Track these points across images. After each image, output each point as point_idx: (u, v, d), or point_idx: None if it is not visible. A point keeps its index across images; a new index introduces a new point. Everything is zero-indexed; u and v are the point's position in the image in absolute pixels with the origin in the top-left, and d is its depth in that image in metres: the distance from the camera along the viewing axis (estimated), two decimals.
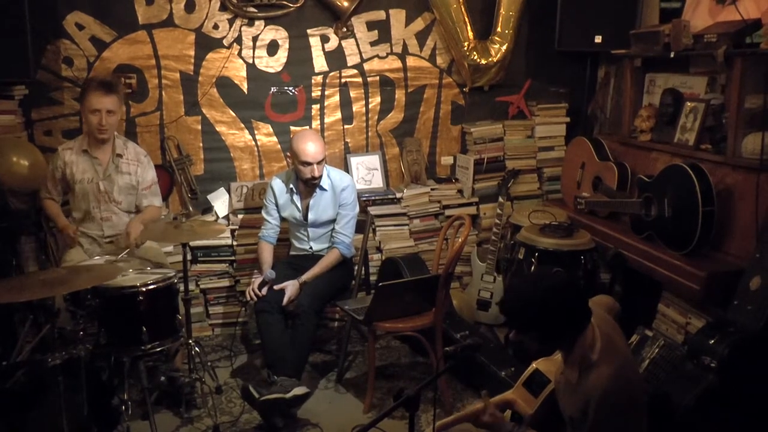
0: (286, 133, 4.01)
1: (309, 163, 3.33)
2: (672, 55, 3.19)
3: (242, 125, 3.99)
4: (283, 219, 3.57)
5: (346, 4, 3.87)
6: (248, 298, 3.33)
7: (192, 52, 3.83)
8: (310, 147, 3.32)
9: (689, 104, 3.21)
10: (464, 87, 4.20)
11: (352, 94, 4.09)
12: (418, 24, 4.06)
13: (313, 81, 4.01)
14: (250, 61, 3.91)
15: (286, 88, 3.99)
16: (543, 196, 4.31)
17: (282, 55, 3.94)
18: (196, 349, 3.10)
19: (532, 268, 3.22)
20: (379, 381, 3.28)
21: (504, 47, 4.02)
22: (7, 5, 3.19)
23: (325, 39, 3.97)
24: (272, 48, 3.92)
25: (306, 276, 3.36)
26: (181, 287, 3.07)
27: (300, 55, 3.95)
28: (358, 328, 3.83)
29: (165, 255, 3.50)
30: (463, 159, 4.24)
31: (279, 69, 3.95)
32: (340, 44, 3.99)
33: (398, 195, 4.07)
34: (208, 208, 3.96)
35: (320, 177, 3.39)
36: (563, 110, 4.28)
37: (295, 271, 3.43)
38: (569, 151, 4.12)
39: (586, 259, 3.21)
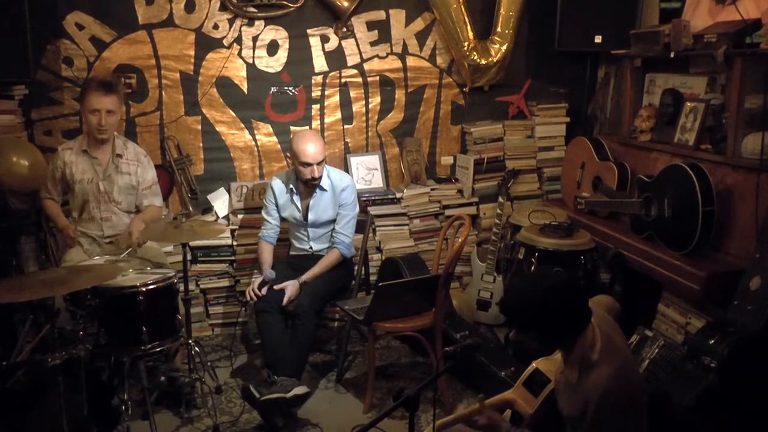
0: (286, 133, 4.01)
1: (309, 164, 3.33)
2: (672, 55, 3.19)
3: (242, 125, 3.99)
4: (283, 219, 3.57)
5: (346, 4, 3.87)
6: (248, 298, 3.33)
7: (192, 52, 3.83)
8: (310, 148, 3.32)
9: (689, 104, 3.21)
10: (464, 87, 4.20)
11: (352, 94, 4.09)
12: (418, 24, 4.06)
13: (313, 81, 4.01)
14: (250, 61, 3.91)
15: (286, 88, 3.99)
16: (543, 196, 4.31)
17: (282, 55, 3.94)
18: (196, 349, 3.10)
19: (532, 268, 3.22)
20: (379, 381, 3.28)
21: (504, 47, 4.02)
22: (7, 5, 3.19)
23: (325, 39, 3.97)
24: (272, 48, 3.93)
25: (306, 276, 3.36)
26: (181, 287, 3.06)
27: (300, 55, 3.95)
28: (358, 328, 3.83)
29: (165, 255, 3.51)
30: (463, 159, 4.24)
31: (279, 69, 3.95)
32: (340, 44, 3.99)
33: (398, 195, 4.07)
34: (208, 208, 3.96)
35: (320, 177, 3.39)
36: (563, 110, 4.28)
37: (295, 271, 3.43)
38: (569, 151, 4.12)
39: (586, 259, 3.21)
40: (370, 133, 4.17)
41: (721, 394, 2.37)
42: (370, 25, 4.00)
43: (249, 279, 3.68)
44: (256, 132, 4.01)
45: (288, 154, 3.50)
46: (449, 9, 3.92)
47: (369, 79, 4.07)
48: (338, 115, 4.09)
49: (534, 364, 2.29)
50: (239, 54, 3.89)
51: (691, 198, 2.80)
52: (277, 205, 3.53)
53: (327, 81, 4.03)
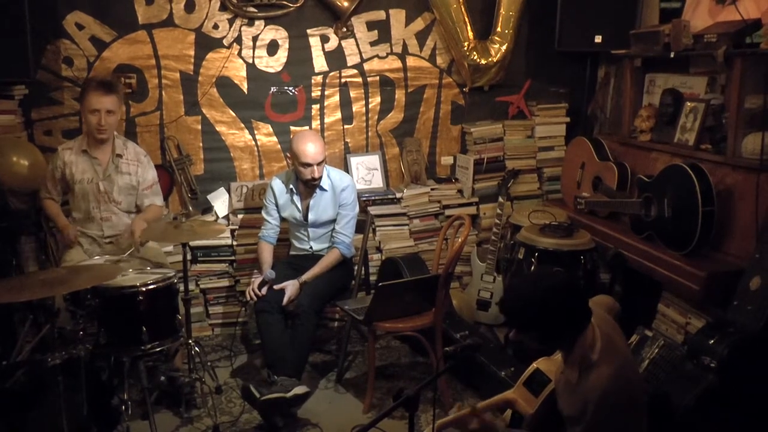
0: (286, 133, 4.01)
1: (309, 165, 3.33)
2: (672, 55, 3.19)
3: (242, 125, 3.99)
4: (283, 219, 3.57)
5: (346, 4, 3.87)
6: (248, 298, 3.33)
7: (192, 52, 3.83)
8: (310, 148, 3.32)
9: (689, 104, 3.21)
10: (464, 87, 4.20)
11: (352, 94, 4.09)
12: (418, 24, 4.06)
13: (313, 81, 4.01)
14: (250, 61, 3.91)
15: (286, 88, 3.99)
16: (543, 196, 4.31)
17: (282, 55, 3.94)
18: (196, 349, 3.10)
19: (532, 268, 3.22)
20: (379, 381, 3.28)
21: (504, 47, 4.02)
22: (7, 5, 3.18)
23: (325, 39, 3.97)
24: (272, 48, 3.93)
25: (306, 276, 3.36)
26: (181, 287, 3.06)
27: (300, 55, 3.95)
28: (358, 328, 3.83)
29: (165, 255, 3.51)
30: (463, 159, 4.24)
31: (279, 69, 3.95)
32: (340, 44, 3.99)
33: (398, 195, 4.07)
34: (208, 208, 3.96)
35: (320, 178, 3.39)
36: (563, 110, 4.28)
37: (295, 271, 3.43)
38: (569, 151, 4.12)
39: (586, 259, 3.21)
40: (370, 133, 4.17)
41: (721, 394, 2.37)
42: (370, 25, 4.00)
43: (249, 279, 3.68)
44: (256, 132, 4.01)
45: (288, 155, 3.50)
46: (449, 9, 3.92)
47: (369, 79, 4.07)
48: (338, 115, 4.09)
49: (534, 364, 2.29)
50: (239, 54, 3.89)
51: (691, 198, 2.80)
52: (277, 205, 3.53)
53: (327, 81, 4.03)
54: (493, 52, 4.02)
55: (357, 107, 4.11)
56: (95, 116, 3.19)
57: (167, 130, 3.89)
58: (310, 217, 3.48)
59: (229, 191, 4.00)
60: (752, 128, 2.81)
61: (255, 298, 3.29)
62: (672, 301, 3.09)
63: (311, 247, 3.55)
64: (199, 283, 3.86)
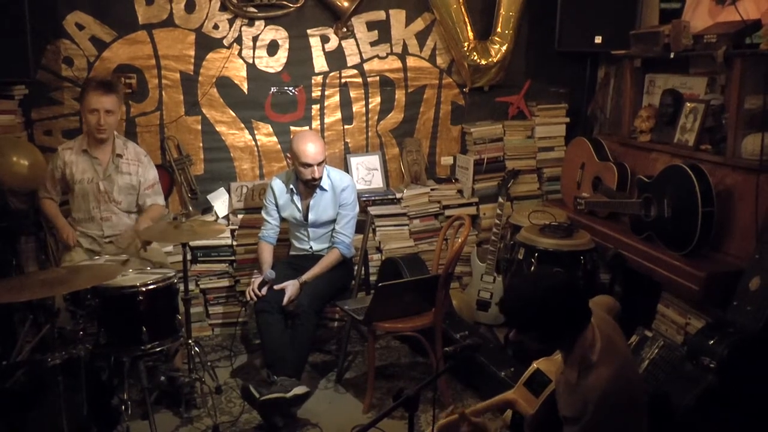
0: (286, 133, 4.02)
1: (309, 165, 3.33)
2: (672, 55, 3.19)
3: (242, 125, 3.99)
4: (283, 219, 3.57)
5: (346, 4, 3.87)
6: (248, 298, 3.33)
7: (192, 52, 3.84)
8: (311, 148, 3.32)
9: (689, 105, 3.21)
10: (464, 87, 4.20)
11: (352, 94, 4.09)
12: (418, 24, 4.06)
13: (313, 81, 4.01)
14: (250, 61, 3.91)
15: (286, 88, 3.99)
16: (543, 197, 4.31)
17: (282, 55, 3.94)
18: (196, 349, 3.10)
19: (532, 268, 3.22)
20: (378, 381, 3.28)
21: (504, 47, 4.03)
22: (7, 5, 3.18)
23: (325, 39, 3.97)
24: (272, 48, 3.93)
25: (306, 276, 3.36)
26: (181, 287, 3.06)
27: (300, 55, 3.95)
28: (358, 328, 3.83)
29: (165, 255, 3.51)
30: (463, 159, 4.24)
31: (279, 69, 3.95)
32: (340, 44, 3.99)
33: (398, 195, 4.07)
34: (208, 208, 3.96)
35: (320, 178, 3.39)
36: (563, 110, 4.28)
37: (295, 271, 3.43)
38: (569, 152, 4.12)
39: (585, 259, 3.22)
40: (370, 134, 4.17)
41: (721, 395, 2.38)
42: (370, 26, 4.00)
43: (249, 279, 3.68)
44: (256, 132, 4.01)
45: (288, 155, 3.50)
46: (449, 9, 3.92)
47: (369, 79, 4.07)
48: (338, 115, 4.09)
49: (535, 365, 2.29)
50: (239, 54, 3.89)
51: (690, 198, 2.80)
52: (277, 206, 3.53)
53: (327, 81, 4.03)
54: (493, 53, 4.02)
55: (357, 107, 4.11)
56: (94, 116, 3.19)
57: (167, 130, 3.89)
58: (310, 217, 3.48)
59: (229, 191, 4.00)
60: (752, 129, 2.81)
61: (255, 298, 3.29)
62: (672, 301, 3.09)
63: (311, 247, 3.55)
64: (199, 283, 3.86)
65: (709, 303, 2.80)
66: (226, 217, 3.96)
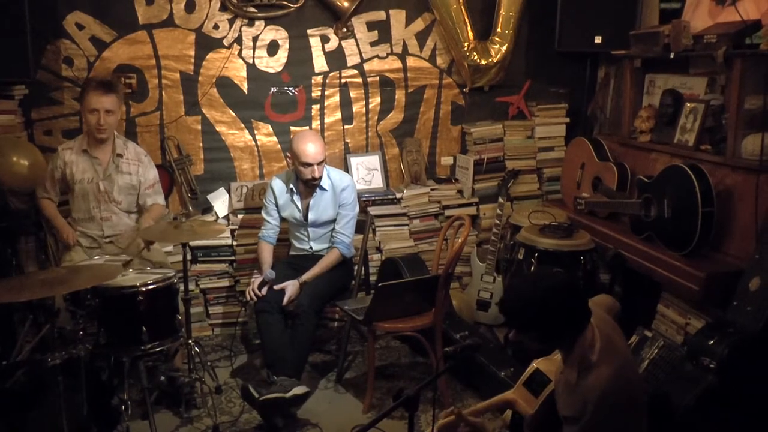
0: (286, 133, 4.02)
1: (309, 164, 3.33)
2: (672, 55, 3.19)
3: (242, 125, 3.99)
4: (283, 219, 3.57)
5: (346, 4, 3.87)
6: (248, 298, 3.33)
7: (192, 52, 3.84)
8: (311, 148, 3.32)
9: (689, 105, 3.21)
10: (464, 87, 4.20)
11: (352, 94, 4.09)
12: (418, 24, 4.06)
13: (313, 81, 4.01)
14: (250, 61, 3.91)
15: (286, 88, 3.99)
16: (543, 197, 4.31)
17: (282, 55, 3.94)
18: (196, 349, 3.10)
19: (532, 268, 3.22)
20: (378, 381, 3.28)
21: (504, 48, 4.03)
22: (7, 5, 3.18)
23: (325, 39, 3.97)
24: (272, 48, 3.93)
25: (306, 276, 3.36)
26: (181, 287, 3.06)
27: (300, 55, 3.95)
28: (358, 328, 3.83)
29: (165, 255, 3.51)
30: (463, 159, 4.24)
31: (279, 69, 3.95)
32: (340, 44, 3.99)
33: (398, 195, 4.07)
34: (208, 208, 3.96)
35: (320, 177, 3.39)
36: (563, 111, 4.28)
37: (295, 271, 3.43)
38: (569, 152, 4.12)
39: (585, 259, 3.22)
40: (370, 134, 4.17)
41: (721, 395, 2.38)
42: (370, 26, 4.00)
43: (249, 279, 3.68)
44: (256, 132, 4.01)
45: (288, 154, 3.50)
46: (449, 9, 3.92)
47: (369, 79, 4.07)
48: (338, 115, 4.09)
49: (534, 364, 2.29)
50: (239, 54, 3.89)
51: (690, 199, 2.80)
52: (277, 205, 3.53)
53: (327, 81, 4.03)
54: (493, 53, 4.03)
55: (357, 107, 4.11)
56: (94, 116, 3.19)
57: (167, 130, 3.89)
58: (310, 216, 3.48)
59: (229, 191, 4.00)
60: (752, 129, 2.82)
61: (255, 298, 3.29)
62: (671, 301, 3.09)
63: (311, 247, 3.55)
64: (199, 283, 3.86)
65: (709, 303, 2.80)
66: (226, 217, 3.96)
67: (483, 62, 4.02)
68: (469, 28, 3.98)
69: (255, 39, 3.88)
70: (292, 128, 4.02)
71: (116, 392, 2.81)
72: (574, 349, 1.93)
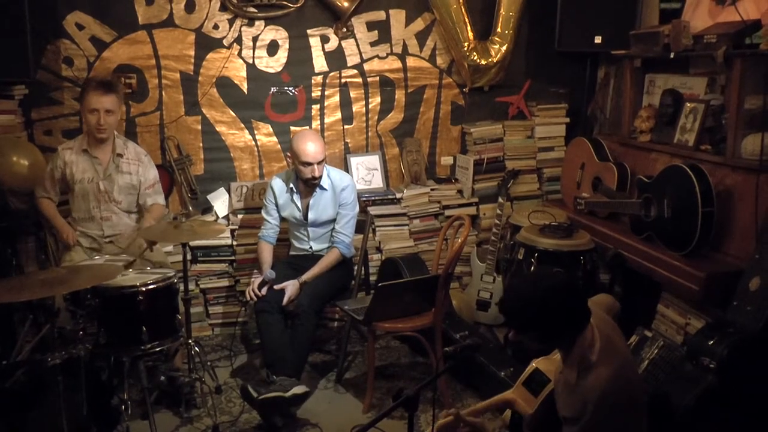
0: (286, 133, 4.02)
1: (309, 164, 3.33)
2: (672, 55, 3.19)
3: (242, 125, 3.99)
4: (282, 219, 3.57)
5: (346, 4, 3.87)
6: (248, 298, 3.33)
7: (192, 52, 3.84)
8: (310, 147, 3.32)
9: (689, 105, 3.21)
10: (464, 87, 4.20)
11: (352, 94, 4.09)
12: (418, 24, 4.06)
13: (313, 81, 4.01)
14: (250, 61, 3.91)
15: (286, 88, 3.99)
16: (543, 197, 4.31)
17: (282, 55, 3.94)
18: (196, 348, 3.10)
19: (532, 268, 3.22)
20: (378, 381, 3.28)
21: (504, 48, 4.03)
22: (7, 5, 3.18)
23: (325, 39, 3.97)
24: (272, 48, 3.93)
25: (306, 276, 3.36)
26: (181, 287, 3.06)
27: (300, 55, 3.95)
28: (358, 328, 3.83)
29: (165, 255, 3.51)
30: (462, 159, 4.24)
31: (279, 69, 3.96)
32: (340, 44, 3.99)
33: (398, 195, 4.07)
34: (208, 208, 3.96)
35: (320, 177, 3.39)
36: (563, 111, 4.28)
37: (295, 271, 3.43)
38: (569, 152, 4.12)
39: (585, 259, 3.22)
40: (370, 134, 4.17)
41: (721, 395, 2.38)
42: (370, 26, 4.00)
43: (249, 279, 3.68)
44: (256, 132, 4.02)
45: (288, 154, 3.50)
46: (449, 9, 3.92)
47: (369, 79, 4.07)
48: (338, 115, 4.09)
49: (534, 364, 2.29)
50: (239, 54, 3.89)
51: (690, 199, 2.80)
52: (277, 205, 3.53)
53: (327, 81, 4.03)
54: (493, 53, 4.03)
55: (357, 107, 4.11)
56: (94, 116, 3.19)
57: (167, 130, 3.89)
58: (310, 216, 3.48)
59: (229, 191, 4.00)
60: (752, 129, 2.81)
61: (255, 298, 3.29)
62: (671, 301, 3.09)
63: (311, 247, 3.55)
64: (199, 283, 3.86)
65: (709, 303, 2.80)
66: (226, 217, 3.96)
67: (483, 62, 4.02)
68: (469, 28, 3.98)
69: (255, 39, 3.88)
70: (292, 128, 4.02)
71: (116, 392, 2.81)
72: (574, 350, 1.93)
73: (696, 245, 2.81)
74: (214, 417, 2.97)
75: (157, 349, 2.83)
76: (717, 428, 2.44)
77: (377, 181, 4.14)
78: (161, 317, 2.84)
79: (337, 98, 4.07)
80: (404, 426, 1.98)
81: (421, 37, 4.08)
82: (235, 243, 3.89)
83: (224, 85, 3.91)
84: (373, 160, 4.15)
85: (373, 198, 4.03)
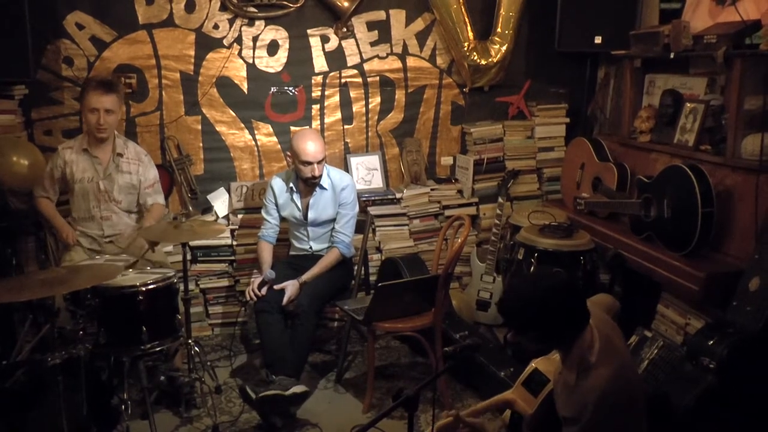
0: (286, 133, 4.02)
1: (309, 163, 3.33)
2: (672, 55, 3.19)
3: (242, 125, 3.99)
4: (282, 219, 3.57)
5: (346, 4, 3.87)
6: (248, 298, 3.33)
7: (192, 52, 3.84)
8: (310, 146, 3.32)
9: (689, 105, 3.21)
10: (464, 87, 4.20)
11: (352, 94, 4.09)
12: (418, 24, 4.06)
13: (313, 81, 4.01)
14: (250, 61, 3.91)
15: (286, 88, 3.99)
16: (543, 197, 4.31)
17: (282, 55, 3.94)
18: (196, 348, 3.10)
19: (532, 268, 3.22)
20: (378, 381, 3.28)
21: (504, 48, 4.03)
22: (7, 5, 3.18)
23: (325, 39, 3.97)
24: (272, 48, 3.93)
25: (306, 276, 3.36)
26: (181, 287, 3.07)
27: (300, 55, 3.95)
28: (358, 328, 3.83)
29: (165, 255, 3.51)
30: (462, 159, 4.24)
31: (279, 69, 3.96)
32: (340, 44, 3.99)
33: (398, 195, 4.07)
34: (208, 208, 3.96)
35: (320, 176, 3.39)
36: (563, 111, 4.28)
37: (294, 271, 3.43)
38: (569, 152, 4.12)
39: (585, 259, 3.22)
40: (370, 134, 4.17)
41: (721, 395, 2.38)
42: (370, 26, 4.00)
43: (249, 279, 3.68)
44: (256, 132, 4.02)
45: (288, 153, 3.50)
46: (449, 9, 3.92)
47: (369, 79, 4.07)
48: (338, 115, 4.09)
49: (533, 364, 2.29)
50: (239, 54, 3.89)
51: (690, 199, 2.80)
52: (276, 205, 3.53)
53: (327, 81, 4.03)
54: (493, 53, 4.03)
55: (357, 107, 4.11)
56: (94, 115, 3.19)
57: (167, 130, 3.89)
58: (310, 215, 3.48)
59: (229, 191, 4.00)
60: (752, 129, 2.81)
61: (255, 298, 3.29)
62: (671, 301, 3.09)
63: (311, 247, 3.55)
64: (198, 283, 3.86)
65: (708, 303, 2.80)
66: (226, 217, 3.96)
67: (483, 62, 4.02)
68: (469, 28, 3.98)
69: (255, 39, 3.88)
70: (292, 128, 4.01)
71: (116, 392, 2.81)
72: (573, 350, 1.93)
73: (696, 245, 2.82)
74: (213, 417, 2.97)
75: (157, 349, 2.83)
76: (717, 428, 2.44)
77: (377, 181, 4.14)
78: (161, 317, 2.84)
79: (337, 98, 4.07)
80: (404, 426, 1.98)
81: (421, 37, 4.08)
82: (235, 243, 3.89)
83: (224, 85, 3.91)
84: (373, 160, 4.15)
85: (373, 198, 4.03)
